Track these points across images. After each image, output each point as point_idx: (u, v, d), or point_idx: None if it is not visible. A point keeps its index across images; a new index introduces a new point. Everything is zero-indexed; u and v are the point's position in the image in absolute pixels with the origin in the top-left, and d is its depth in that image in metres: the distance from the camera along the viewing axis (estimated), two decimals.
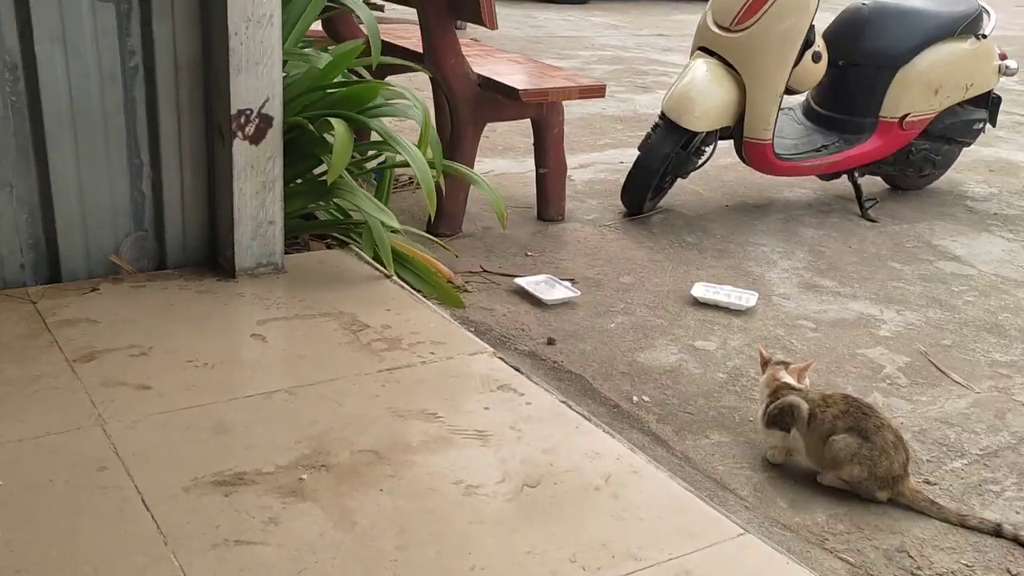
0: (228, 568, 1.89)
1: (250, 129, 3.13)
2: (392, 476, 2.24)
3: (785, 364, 3.00)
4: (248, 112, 3.12)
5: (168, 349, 2.76)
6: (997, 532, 2.67)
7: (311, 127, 3.29)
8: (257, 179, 3.20)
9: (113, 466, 2.20)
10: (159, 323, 2.92)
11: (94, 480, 2.14)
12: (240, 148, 3.14)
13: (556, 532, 2.07)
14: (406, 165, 3.53)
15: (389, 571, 1.92)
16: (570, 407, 2.60)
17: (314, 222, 3.81)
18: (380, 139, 3.51)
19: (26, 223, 3.06)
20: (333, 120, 3.26)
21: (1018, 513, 2.78)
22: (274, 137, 3.19)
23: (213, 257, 3.37)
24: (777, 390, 2.93)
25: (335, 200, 3.81)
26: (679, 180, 5.14)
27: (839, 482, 2.83)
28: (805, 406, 2.85)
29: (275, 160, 3.22)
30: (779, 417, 2.89)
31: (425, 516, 2.11)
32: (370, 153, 4.02)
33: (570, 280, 4.21)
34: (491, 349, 2.92)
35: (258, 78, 3.11)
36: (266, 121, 3.16)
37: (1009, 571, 2.54)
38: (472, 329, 3.42)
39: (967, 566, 2.56)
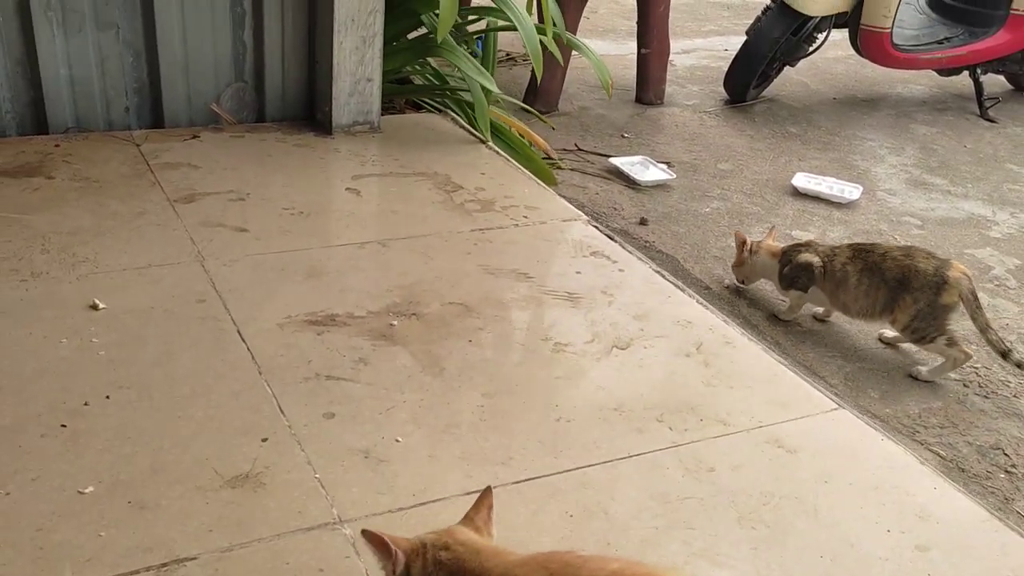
0: (318, 400, 1.93)
1: None
2: (481, 329, 2.23)
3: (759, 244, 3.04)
4: None
5: (265, 197, 2.78)
6: (1005, 355, 2.71)
7: None
8: (358, 34, 3.15)
9: (211, 299, 2.24)
10: (257, 172, 2.94)
11: (193, 310, 2.19)
12: (342, 0, 3.08)
13: (644, 393, 2.05)
14: (510, 29, 3.43)
15: (475, 416, 1.93)
16: (663, 276, 2.55)
17: (410, 86, 3.76)
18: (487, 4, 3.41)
19: (131, 66, 3.08)
20: None
21: None
22: None
23: (311, 113, 3.36)
24: (783, 254, 2.96)
25: (433, 65, 3.74)
26: (786, 69, 4.92)
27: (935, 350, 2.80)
28: (817, 260, 2.87)
29: (377, 15, 3.16)
30: (796, 278, 2.91)
31: (513, 368, 2.10)
32: (471, 18, 3.92)
33: (666, 163, 4.10)
34: (586, 217, 2.87)
35: None
36: None
37: None
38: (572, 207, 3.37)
39: None
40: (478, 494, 1.72)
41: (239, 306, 2.22)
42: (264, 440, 1.80)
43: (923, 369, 2.81)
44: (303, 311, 2.23)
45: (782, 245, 3.01)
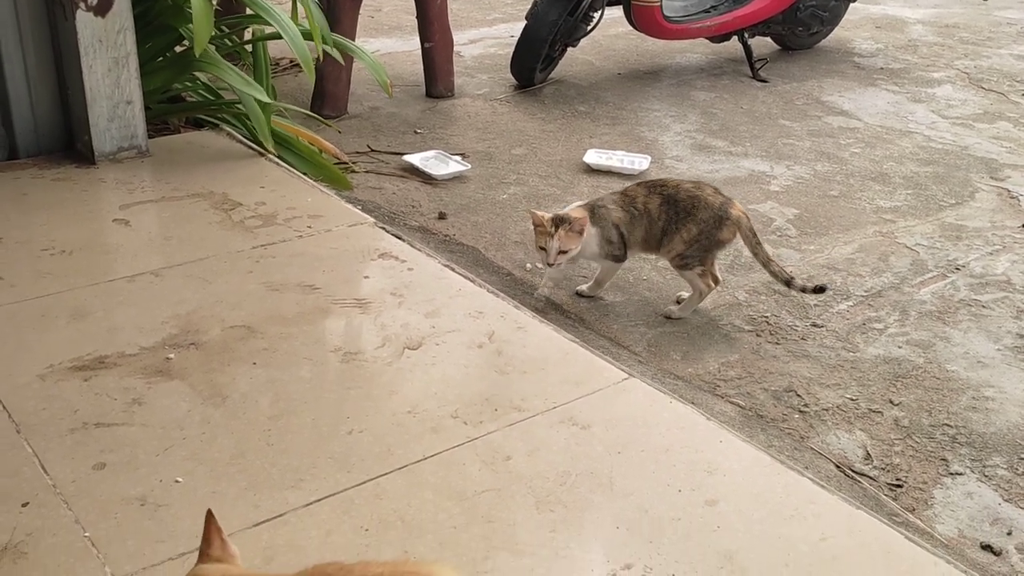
0: (87, 451, 1.79)
1: None
2: (266, 349, 2.14)
3: (561, 219, 2.78)
4: None
5: (20, 239, 2.58)
6: (788, 283, 2.88)
7: None
8: (108, 55, 2.97)
9: None
10: (11, 213, 2.72)
11: None
12: (85, 21, 2.89)
13: (438, 391, 2.02)
14: (277, 37, 3.32)
15: (262, 440, 1.85)
16: (453, 270, 2.53)
17: (182, 104, 3.58)
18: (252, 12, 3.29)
19: None
20: None
21: (900, 347, 2.84)
22: (122, 7, 2.94)
23: (70, 143, 3.14)
24: (591, 215, 2.81)
25: (202, 79, 3.58)
26: (569, 49, 5.00)
27: (694, 283, 2.92)
28: (621, 217, 2.84)
29: (126, 34, 2.98)
30: (618, 248, 2.86)
31: (300, 385, 2.03)
32: (243, 27, 3.78)
33: (461, 155, 4.09)
34: (372, 219, 2.81)
35: None
36: None
37: (891, 401, 2.60)
38: (360, 208, 3.30)
39: (852, 400, 2.61)
40: (267, 524, 1.65)
41: None
42: (25, 505, 1.66)
43: (674, 308, 2.96)
44: (67, 358, 2.07)
45: (586, 205, 2.88)
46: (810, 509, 1.70)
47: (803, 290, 2.90)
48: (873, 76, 5.26)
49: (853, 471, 2.36)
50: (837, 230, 3.55)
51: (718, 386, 2.69)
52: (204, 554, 1.22)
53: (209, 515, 1.25)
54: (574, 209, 2.86)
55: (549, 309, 3.02)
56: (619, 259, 2.93)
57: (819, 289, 2.89)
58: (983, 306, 3.06)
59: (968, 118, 4.70)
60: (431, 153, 4.06)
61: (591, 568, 1.57)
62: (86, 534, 1.60)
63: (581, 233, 2.75)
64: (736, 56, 5.37)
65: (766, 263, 2.90)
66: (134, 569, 1.53)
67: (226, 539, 1.24)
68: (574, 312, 3.02)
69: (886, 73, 5.32)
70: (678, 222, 2.86)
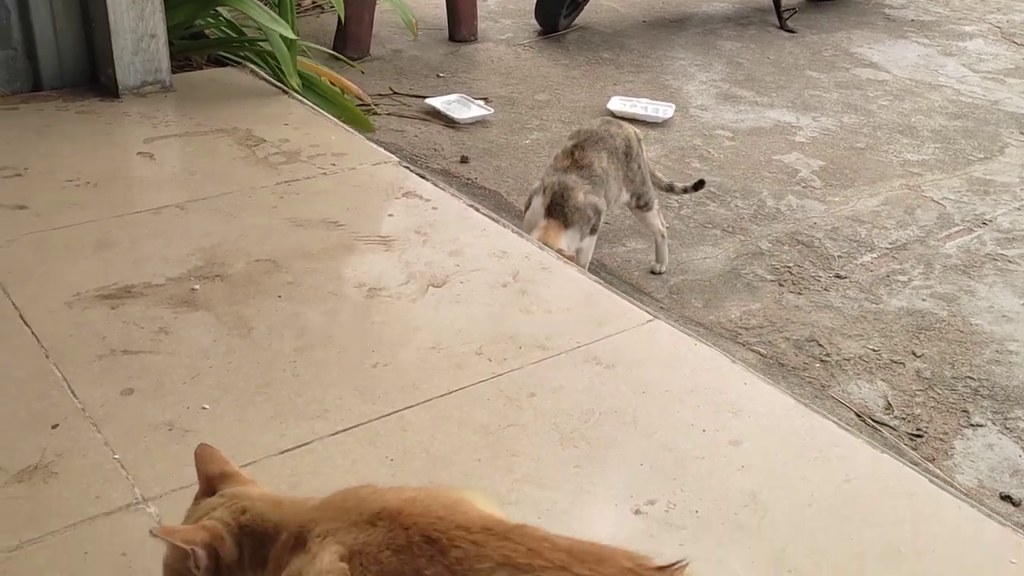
0: (115, 377, 1.80)
1: None
2: (291, 283, 2.14)
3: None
4: None
5: (45, 170, 2.57)
6: (670, 188, 3.02)
7: None
8: None
9: None
10: (35, 145, 2.71)
11: None
12: None
13: (462, 328, 2.02)
14: None
15: (288, 372, 1.85)
16: (477, 210, 2.51)
17: (205, 40, 3.55)
18: None
19: None
20: None
21: (924, 300, 2.82)
22: None
23: (94, 77, 3.12)
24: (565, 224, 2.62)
25: (225, 15, 3.54)
26: None
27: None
28: (589, 190, 2.65)
29: None
30: (596, 222, 2.71)
31: (325, 319, 2.03)
32: None
33: (483, 99, 4.05)
34: (396, 159, 2.80)
35: None
36: None
37: (914, 352, 2.60)
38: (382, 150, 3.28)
39: (874, 351, 2.61)
40: (293, 452, 1.67)
41: (19, 290, 2.04)
42: (55, 427, 1.67)
43: (657, 265, 2.97)
44: (94, 286, 2.07)
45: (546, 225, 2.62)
46: (835, 452, 1.70)
47: (684, 190, 3.03)
48: (903, 28, 5.17)
49: (874, 420, 2.36)
50: (863, 182, 3.51)
51: (739, 334, 2.69)
52: (229, 476, 1.21)
53: (202, 447, 1.25)
54: (550, 231, 2.61)
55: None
56: (596, 228, 2.73)
57: (698, 185, 3.02)
58: (1009, 260, 3.03)
59: (999, 72, 4.63)
60: (453, 97, 4.03)
61: (614, 503, 1.58)
62: (115, 456, 1.62)
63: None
64: (764, 6, 5.28)
65: (651, 173, 2.96)
66: (162, 491, 1.55)
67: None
68: (595, 258, 3.00)
69: (916, 25, 5.22)
70: (624, 167, 2.80)
